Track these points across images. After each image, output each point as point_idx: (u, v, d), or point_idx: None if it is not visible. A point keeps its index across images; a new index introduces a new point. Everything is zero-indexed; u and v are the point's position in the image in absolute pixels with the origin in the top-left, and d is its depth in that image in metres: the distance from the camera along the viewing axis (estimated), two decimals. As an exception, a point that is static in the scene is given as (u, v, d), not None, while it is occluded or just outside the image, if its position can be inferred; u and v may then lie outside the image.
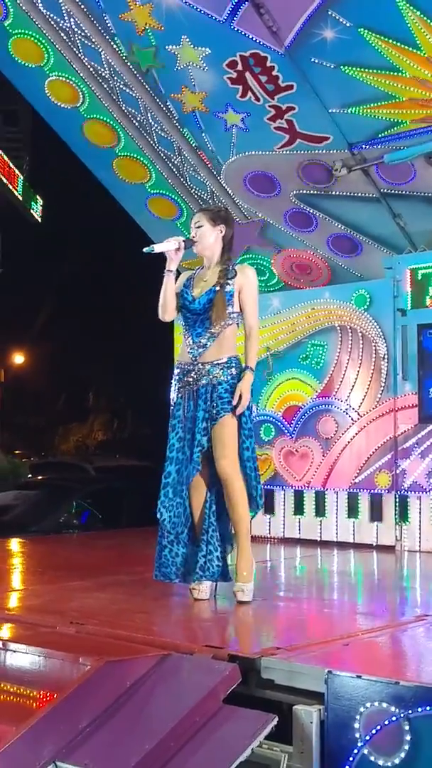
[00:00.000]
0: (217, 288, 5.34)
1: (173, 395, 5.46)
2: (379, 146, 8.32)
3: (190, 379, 5.36)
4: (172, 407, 5.44)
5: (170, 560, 5.44)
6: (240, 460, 5.36)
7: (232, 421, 5.29)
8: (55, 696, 3.61)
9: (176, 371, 5.48)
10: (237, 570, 5.38)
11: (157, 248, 5.40)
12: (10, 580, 6.55)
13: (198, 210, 5.74)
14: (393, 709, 3.33)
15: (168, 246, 5.36)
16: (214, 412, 5.28)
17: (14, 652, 4.07)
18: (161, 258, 10.91)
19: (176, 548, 5.43)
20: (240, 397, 5.26)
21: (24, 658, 4.00)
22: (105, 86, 8.74)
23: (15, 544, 8.69)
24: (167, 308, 5.45)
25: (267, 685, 3.79)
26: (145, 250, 5.48)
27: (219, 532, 5.45)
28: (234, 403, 5.26)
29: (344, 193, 8.96)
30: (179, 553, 5.44)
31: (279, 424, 9.09)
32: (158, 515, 5.38)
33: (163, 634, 4.35)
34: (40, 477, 15.91)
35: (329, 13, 7.22)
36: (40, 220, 32.91)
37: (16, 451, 27.15)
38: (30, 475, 17.62)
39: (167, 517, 5.38)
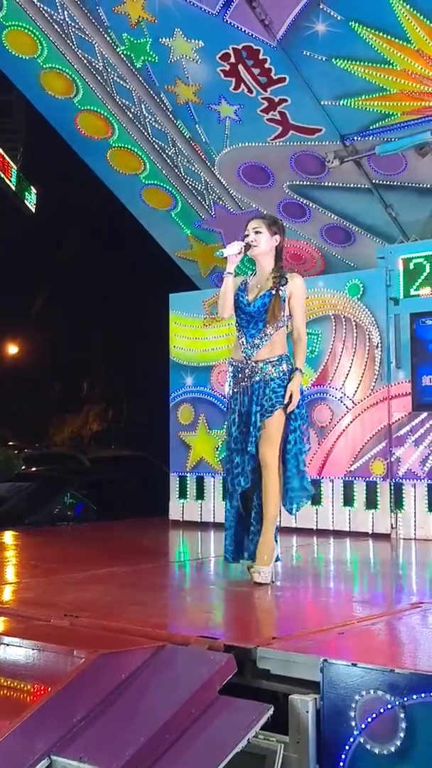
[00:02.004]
0: (273, 292, 5.70)
1: (228, 390, 5.92)
2: (370, 138, 8.37)
3: (244, 376, 5.75)
4: (228, 401, 5.90)
5: (227, 541, 5.85)
6: (282, 453, 5.71)
7: (281, 414, 5.67)
8: (49, 689, 3.60)
9: (230, 368, 5.90)
10: (257, 553, 5.65)
11: (226, 252, 5.69)
12: (3, 573, 6.53)
13: (256, 216, 5.98)
14: (388, 696, 3.35)
15: (232, 250, 5.66)
16: (268, 405, 5.66)
17: (8, 645, 4.05)
18: (154, 249, 10.81)
19: (229, 531, 5.84)
20: (291, 396, 5.64)
21: (18, 651, 3.99)
22: (99, 78, 8.76)
23: (8, 537, 8.67)
24: (226, 307, 5.81)
25: (263, 675, 3.80)
26: (216, 254, 5.98)
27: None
28: (285, 401, 5.64)
29: (337, 184, 9.00)
30: (228, 535, 5.84)
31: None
32: (229, 502, 5.81)
33: (158, 626, 4.35)
34: (33, 468, 15.86)
35: (321, 6, 7.29)
36: (34, 210, 32.81)
37: (10, 443, 27.02)
38: (23, 467, 17.55)
39: (236, 503, 5.79)
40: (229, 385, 5.89)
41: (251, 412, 5.66)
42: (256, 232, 5.73)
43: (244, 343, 5.77)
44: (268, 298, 5.69)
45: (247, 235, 5.74)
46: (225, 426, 5.99)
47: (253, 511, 5.75)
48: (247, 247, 5.69)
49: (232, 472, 5.75)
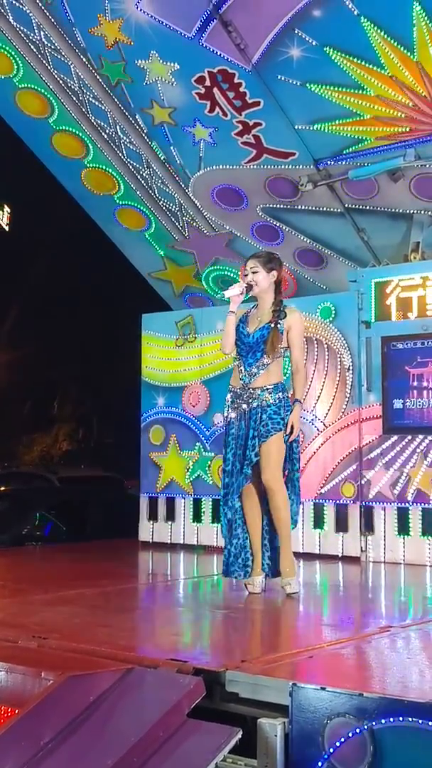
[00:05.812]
0: (272, 325, 6.03)
1: (226, 415, 6.19)
2: (343, 162, 8.44)
3: (242, 402, 6.07)
4: (225, 426, 6.18)
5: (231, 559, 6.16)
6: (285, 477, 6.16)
7: (278, 439, 6.01)
8: (16, 711, 3.58)
9: (229, 395, 6.20)
10: (281, 568, 6.14)
11: (227, 294, 6.10)
12: (-28, 594, 6.49)
13: (252, 256, 6.28)
14: (357, 721, 3.34)
15: (234, 291, 6.06)
16: (264, 430, 5.98)
17: (-25, 667, 4.03)
18: (127, 269, 10.79)
19: (230, 548, 6.14)
20: (292, 427, 6.03)
21: (-15, 673, 3.97)
22: (74, 99, 8.78)
23: (-23, 557, 8.63)
24: (227, 343, 6.15)
25: (232, 698, 3.78)
26: (218, 296, 6.20)
27: (270, 535, 6.22)
28: (287, 432, 6.01)
29: (310, 208, 9.05)
30: (232, 552, 6.14)
31: (245, 435, 9.08)
32: (224, 518, 6.15)
33: (126, 648, 4.33)
34: (2, 488, 15.76)
35: (295, 32, 7.35)
36: (7, 228, 32.77)
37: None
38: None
39: (231, 518, 6.11)
40: (227, 411, 6.16)
41: (248, 436, 5.97)
42: (254, 272, 6.08)
43: (243, 371, 6.09)
44: (267, 331, 6.01)
45: (246, 275, 6.07)
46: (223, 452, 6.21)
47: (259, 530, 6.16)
48: (249, 287, 6.02)
49: (226, 494, 6.07)
